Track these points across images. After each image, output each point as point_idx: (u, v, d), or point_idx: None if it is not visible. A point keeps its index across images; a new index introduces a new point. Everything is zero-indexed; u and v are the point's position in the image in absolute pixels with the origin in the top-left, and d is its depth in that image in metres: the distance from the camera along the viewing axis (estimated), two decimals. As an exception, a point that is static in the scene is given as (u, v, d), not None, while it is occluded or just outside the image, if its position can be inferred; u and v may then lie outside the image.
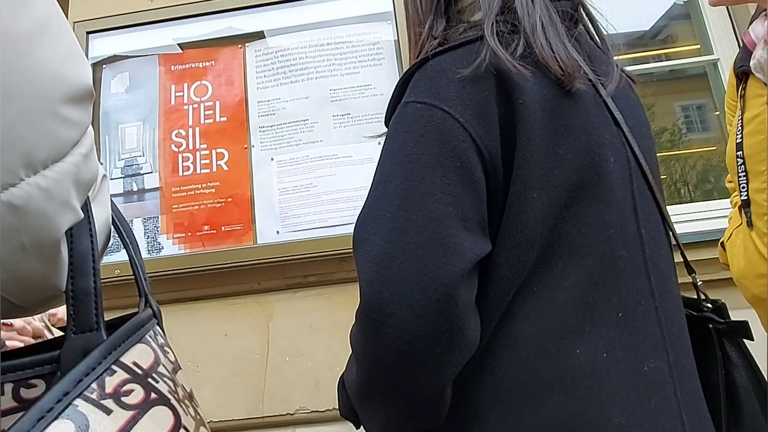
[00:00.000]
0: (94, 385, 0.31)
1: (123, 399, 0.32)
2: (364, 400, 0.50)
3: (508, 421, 0.45)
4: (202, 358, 1.38)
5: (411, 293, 0.42)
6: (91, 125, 0.37)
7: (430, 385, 0.45)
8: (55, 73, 0.29)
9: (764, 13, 0.90)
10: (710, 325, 0.58)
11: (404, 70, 0.54)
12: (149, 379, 0.36)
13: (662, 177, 1.97)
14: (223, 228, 1.43)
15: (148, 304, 0.45)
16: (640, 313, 0.49)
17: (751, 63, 0.90)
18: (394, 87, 0.55)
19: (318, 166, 1.44)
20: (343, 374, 0.58)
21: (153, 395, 0.35)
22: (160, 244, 1.43)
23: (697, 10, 1.82)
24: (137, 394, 0.34)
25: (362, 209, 0.49)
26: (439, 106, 0.48)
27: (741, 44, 0.98)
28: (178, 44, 1.54)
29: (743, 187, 0.90)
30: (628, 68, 1.90)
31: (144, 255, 1.41)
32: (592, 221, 0.49)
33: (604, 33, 0.65)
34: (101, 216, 0.39)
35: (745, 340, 0.58)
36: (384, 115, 0.58)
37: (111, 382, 0.32)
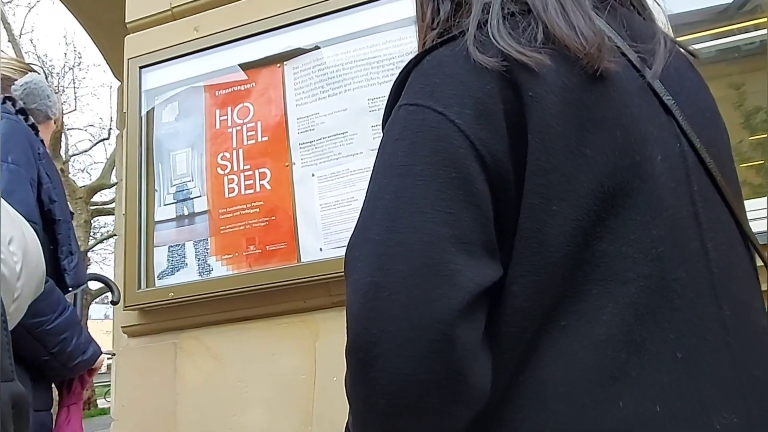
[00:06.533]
0: None
1: None
2: None
3: None
4: (251, 378, 1.38)
5: (401, 331, 0.36)
6: None
7: None
8: None
9: None
10: None
11: None
12: None
13: (759, 162, 1.68)
14: (267, 247, 1.43)
15: None
16: (706, 352, 0.38)
17: None
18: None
19: (358, 179, 1.40)
20: (347, 422, 0.52)
21: None
22: (209, 265, 1.46)
23: (789, -31, 1.56)
24: None
25: (353, 231, 0.42)
26: (433, 107, 0.41)
27: None
28: (222, 69, 1.58)
29: None
30: (712, 43, 1.67)
31: (195, 277, 1.45)
32: (635, 237, 0.39)
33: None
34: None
35: None
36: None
37: None
